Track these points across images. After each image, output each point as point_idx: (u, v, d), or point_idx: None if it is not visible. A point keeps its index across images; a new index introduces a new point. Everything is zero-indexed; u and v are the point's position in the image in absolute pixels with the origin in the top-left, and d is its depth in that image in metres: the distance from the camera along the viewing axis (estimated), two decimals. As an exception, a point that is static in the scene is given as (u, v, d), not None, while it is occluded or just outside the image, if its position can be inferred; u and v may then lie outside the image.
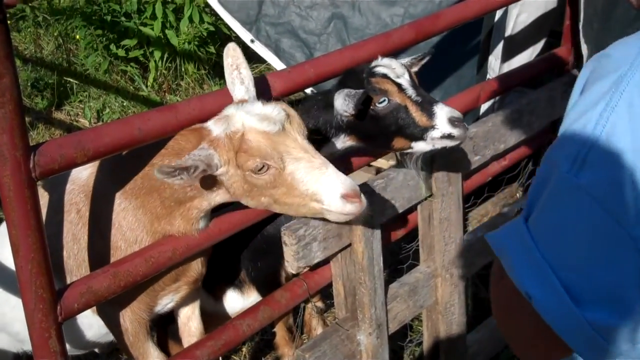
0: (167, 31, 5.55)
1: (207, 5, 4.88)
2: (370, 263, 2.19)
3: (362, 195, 1.75)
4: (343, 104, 2.03)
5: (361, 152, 2.33)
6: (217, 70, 5.86)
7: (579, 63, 3.16)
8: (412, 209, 2.46)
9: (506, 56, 3.42)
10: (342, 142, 2.17)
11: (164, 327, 2.65)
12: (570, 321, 0.94)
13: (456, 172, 2.46)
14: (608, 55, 1.03)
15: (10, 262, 1.58)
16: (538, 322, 0.97)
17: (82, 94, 5.61)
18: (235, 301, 2.46)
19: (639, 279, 0.92)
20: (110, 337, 2.21)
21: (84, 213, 1.99)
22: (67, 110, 5.49)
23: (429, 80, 3.33)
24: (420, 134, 2.03)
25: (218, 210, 2.00)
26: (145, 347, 2.09)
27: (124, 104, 5.53)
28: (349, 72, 2.18)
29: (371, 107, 2.05)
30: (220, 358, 2.18)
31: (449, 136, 2.00)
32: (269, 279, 2.40)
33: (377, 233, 2.20)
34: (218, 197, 1.87)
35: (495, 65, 3.44)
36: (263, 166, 1.73)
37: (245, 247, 2.36)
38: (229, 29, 4.63)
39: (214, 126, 1.80)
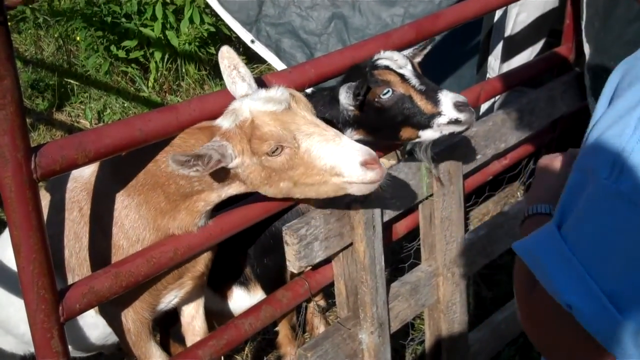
0: (167, 32, 5.55)
1: (208, 6, 4.87)
2: (372, 262, 2.20)
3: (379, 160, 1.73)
4: (346, 96, 2.05)
5: (370, 146, 2.32)
6: (217, 71, 5.80)
7: (579, 62, 3.16)
8: (414, 208, 2.47)
9: (506, 56, 3.42)
10: (350, 136, 2.17)
11: (166, 329, 2.65)
12: (614, 330, 0.92)
13: (457, 171, 2.47)
14: None
15: (13, 264, 1.58)
16: (579, 332, 0.95)
17: (82, 95, 5.61)
18: (242, 299, 2.46)
19: None
20: (116, 338, 2.21)
21: (86, 211, 1.99)
22: (68, 112, 5.49)
23: (428, 80, 3.33)
24: (426, 122, 2.03)
25: (219, 209, 2.00)
26: (148, 346, 2.09)
27: (125, 105, 5.53)
28: (353, 67, 2.19)
29: (376, 99, 2.05)
30: (222, 357, 2.18)
31: (456, 121, 2.00)
32: (274, 276, 2.40)
33: (379, 232, 2.20)
34: (231, 189, 1.87)
35: (495, 65, 3.44)
36: (277, 148, 1.73)
37: (252, 244, 2.36)
38: (230, 29, 4.63)
39: (223, 121, 1.82)
